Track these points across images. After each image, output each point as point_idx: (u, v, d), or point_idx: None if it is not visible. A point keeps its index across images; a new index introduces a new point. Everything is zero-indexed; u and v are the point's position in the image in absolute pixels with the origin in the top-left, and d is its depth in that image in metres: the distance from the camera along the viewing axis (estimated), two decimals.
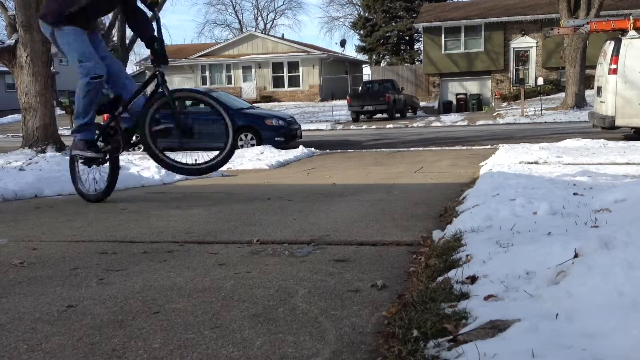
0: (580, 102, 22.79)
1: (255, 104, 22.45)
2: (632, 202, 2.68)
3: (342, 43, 43.53)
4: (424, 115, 28.40)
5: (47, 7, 4.45)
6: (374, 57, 43.11)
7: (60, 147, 12.27)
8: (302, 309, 1.91)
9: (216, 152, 4.56)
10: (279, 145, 12.82)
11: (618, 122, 11.12)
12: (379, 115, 25.99)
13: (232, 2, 78.65)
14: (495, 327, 1.41)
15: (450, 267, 2.11)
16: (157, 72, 4.48)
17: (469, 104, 29.77)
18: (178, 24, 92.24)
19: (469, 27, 30.84)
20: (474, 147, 11.20)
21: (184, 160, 4.59)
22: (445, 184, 5.63)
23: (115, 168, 4.85)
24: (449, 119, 24.52)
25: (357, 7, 49.62)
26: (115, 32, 23.86)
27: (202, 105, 4.85)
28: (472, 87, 31.32)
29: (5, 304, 2.07)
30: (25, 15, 11.61)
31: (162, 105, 4.47)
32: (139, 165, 7.36)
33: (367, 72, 41.74)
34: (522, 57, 30.87)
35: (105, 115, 4.85)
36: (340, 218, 3.68)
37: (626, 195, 2.86)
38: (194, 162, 4.58)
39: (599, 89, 11.95)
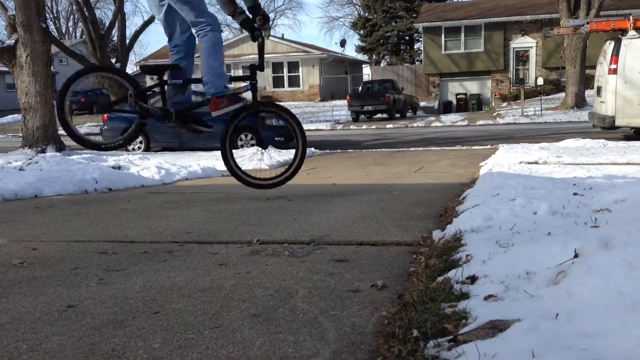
0: (580, 102, 22.79)
1: None
2: (632, 202, 2.68)
3: (342, 43, 43.50)
4: (424, 115, 28.39)
5: None
6: (374, 57, 43.12)
7: (60, 147, 12.28)
8: (302, 309, 1.91)
9: (283, 168, 4.70)
10: (279, 145, 12.80)
11: (618, 122, 11.12)
12: (379, 115, 25.98)
13: None
14: (495, 327, 1.41)
15: (450, 267, 2.11)
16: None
17: (469, 104, 29.77)
18: None
19: (469, 27, 30.84)
20: (474, 147, 11.20)
21: (253, 175, 4.66)
22: (445, 184, 5.63)
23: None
24: (449, 119, 24.51)
25: (357, 7, 49.63)
26: (115, 31, 23.86)
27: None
28: (472, 87, 31.32)
29: (5, 304, 2.07)
30: (25, 15, 11.62)
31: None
32: (138, 165, 7.36)
33: (367, 72, 41.72)
34: (522, 57, 30.87)
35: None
36: (340, 218, 3.67)
37: (626, 195, 2.86)
38: (260, 177, 4.65)
39: (599, 89, 11.95)
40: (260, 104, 4.59)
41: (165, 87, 4.37)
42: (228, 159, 4.60)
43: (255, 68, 4.52)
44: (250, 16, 4.28)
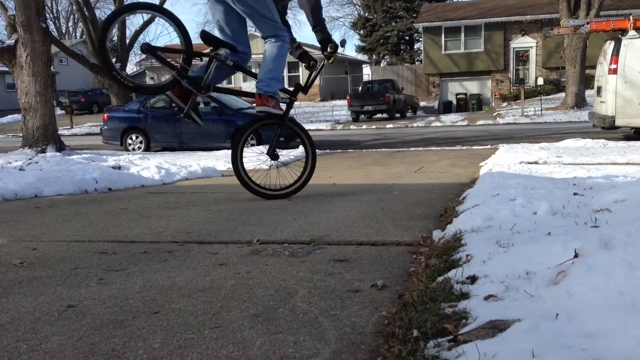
0: (580, 102, 22.79)
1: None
2: (632, 202, 2.68)
3: (342, 43, 43.25)
4: (424, 115, 28.40)
5: None
6: (374, 57, 43.10)
7: (60, 147, 12.28)
8: (302, 309, 1.91)
9: (295, 179, 4.86)
10: (279, 145, 12.76)
11: (618, 122, 11.12)
12: (379, 115, 25.98)
13: None
14: (495, 327, 1.41)
15: (450, 267, 2.11)
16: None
17: (469, 104, 29.77)
18: None
19: (469, 27, 30.84)
20: (474, 147, 11.20)
21: (264, 185, 4.79)
22: (445, 184, 5.63)
23: None
24: (449, 119, 24.51)
25: (357, 7, 49.61)
26: (115, 32, 23.88)
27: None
28: (472, 87, 31.32)
29: (5, 304, 2.07)
30: (25, 15, 11.62)
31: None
32: (138, 165, 7.36)
33: (367, 72, 41.72)
34: (522, 57, 30.87)
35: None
36: (340, 218, 3.67)
37: (626, 195, 2.86)
38: (271, 188, 4.79)
39: (599, 89, 11.95)
40: (289, 119, 4.82)
41: (215, 61, 4.44)
42: (239, 168, 4.68)
43: (299, 88, 4.81)
44: (321, 47, 4.62)
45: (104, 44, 4.13)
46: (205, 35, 4.41)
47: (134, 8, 4.35)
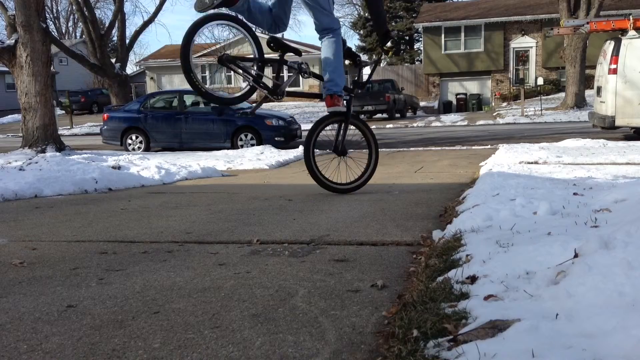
0: (580, 102, 22.79)
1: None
2: (632, 202, 2.68)
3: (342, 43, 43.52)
4: (424, 115, 28.40)
5: None
6: (374, 57, 43.12)
7: (60, 147, 12.29)
8: (302, 309, 1.91)
9: (360, 173, 5.01)
10: (279, 145, 12.79)
11: (618, 122, 11.12)
12: (379, 115, 25.99)
13: None
14: (495, 327, 1.41)
15: (450, 267, 2.11)
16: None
17: (468, 104, 29.77)
18: (178, 24, 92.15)
19: (469, 27, 30.85)
20: (473, 147, 11.20)
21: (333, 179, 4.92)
22: (445, 184, 5.63)
23: None
24: (449, 119, 24.51)
25: (357, 7, 49.60)
26: (115, 31, 23.89)
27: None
28: (472, 87, 31.32)
29: (5, 304, 2.07)
30: (25, 15, 11.63)
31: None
32: (138, 165, 7.36)
33: (367, 72, 41.73)
34: (522, 57, 30.88)
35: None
36: (340, 218, 3.67)
37: (626, 195, 2.86)
38: (339, 182, 4.94)
39: (599, 89, 11.95)
40: (353, 115, 4.99)
41: (283, 66, 4.61)
42: (311, 161, 4.77)
43: (357, 84, 4.99)
44: (381, 41, 4.77)
45: (188, 59, 4.10)
46: (275, 41, 4.55)
47: (214, 19, 4.34)
